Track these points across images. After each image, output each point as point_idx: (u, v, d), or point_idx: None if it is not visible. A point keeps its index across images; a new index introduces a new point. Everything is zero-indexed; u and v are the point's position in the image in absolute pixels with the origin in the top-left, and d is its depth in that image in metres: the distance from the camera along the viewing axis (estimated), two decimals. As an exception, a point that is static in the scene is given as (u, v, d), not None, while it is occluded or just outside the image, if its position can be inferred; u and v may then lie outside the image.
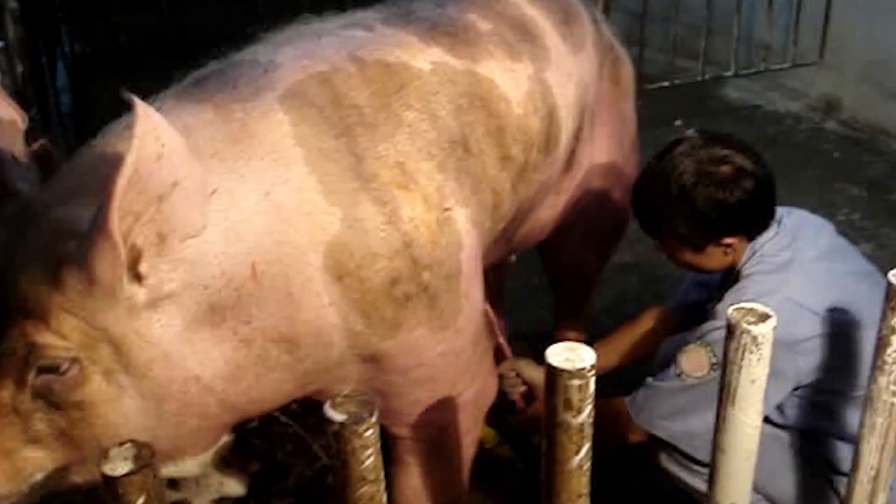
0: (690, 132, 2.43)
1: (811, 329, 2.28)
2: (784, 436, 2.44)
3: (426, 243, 1.94)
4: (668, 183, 2.33)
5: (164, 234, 1.59)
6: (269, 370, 1.83)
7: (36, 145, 1.91)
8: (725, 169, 2.31)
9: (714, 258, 2.42)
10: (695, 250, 2.41)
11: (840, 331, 2.29)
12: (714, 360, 2.29)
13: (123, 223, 1.51)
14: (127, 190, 1.48)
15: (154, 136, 1.48)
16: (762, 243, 2.40)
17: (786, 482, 2.42)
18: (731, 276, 2.45)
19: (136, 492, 1.41)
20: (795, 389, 2.35)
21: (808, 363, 2.29)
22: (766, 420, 2.39)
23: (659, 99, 5.66)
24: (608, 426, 2.52)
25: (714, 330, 2.26)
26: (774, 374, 2.23)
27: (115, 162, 1.61)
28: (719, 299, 2.43)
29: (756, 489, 2.38)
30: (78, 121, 5.52)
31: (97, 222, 1.52)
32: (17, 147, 1.85)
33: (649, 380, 2.40)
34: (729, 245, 2.38)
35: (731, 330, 1.80)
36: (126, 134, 1.75)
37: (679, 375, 2.31)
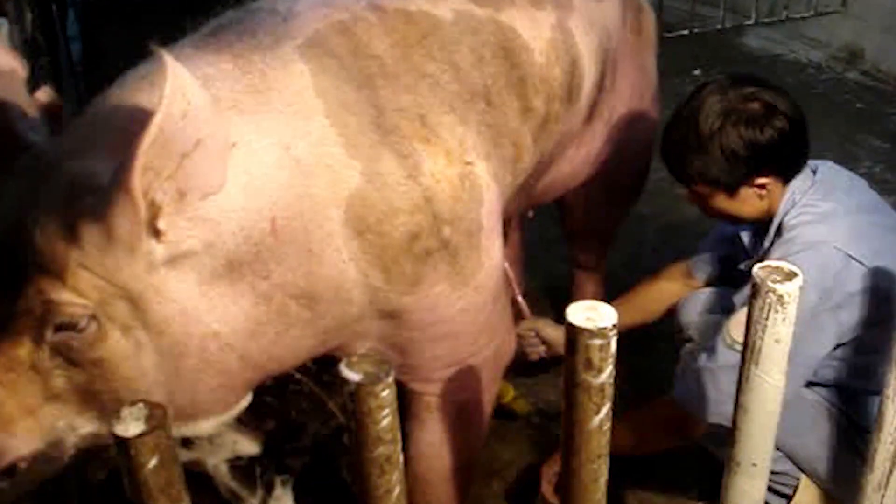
0: (719, 76, 2.40)
1: (859, 281, 2.24)
2: (811, 395, 2.41)
3: (447, 198, 1.91)
4: (697, 124, 2.30)
5: (183, 192, 1.56)
6: (288, 326, 1.81)
7: (40, 93, 1.86)
8: (755, 106, 2.28)
9: (748, 203, 2.37)
10: (728, 194, 2.36)
11: (881, 285, 2.25)
12: None
13: (144, 179, 1.49)
14: (151, 146, 1.45)
15: (182, 94, 1.45)
16: (801, 192, 2.36)
17: (811, 441, 2.40)
18: (765, 229, 2.41)
19: (148, 452, 1.39)
20: (834, 349, 2.32)
21: (850, 318, 2.26)
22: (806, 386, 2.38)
23: (678, 48, 5.59)
24: (659, 437, 2.51)
25: None
26: (817, 329, 2.22)
27: (135, 115, 1.59)
28: (754, 256, 2.40)
29: (779, 447, 2.36)
30: (88, 69, 5.48)
31: (118, 178, 1.49)
32: (21, 97, 1.80)
33: (699, 364, 2.31)
34: (763, 186, 2.34)
35: (756, 288, 1.77)
36: (144, 84, 1.73)
37: (731, 346, 2.23)
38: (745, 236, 2.53)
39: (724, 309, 2.58)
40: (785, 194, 2.36)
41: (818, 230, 2.27)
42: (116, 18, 5.99)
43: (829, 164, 2.45)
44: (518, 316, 2.62)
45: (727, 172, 2.31)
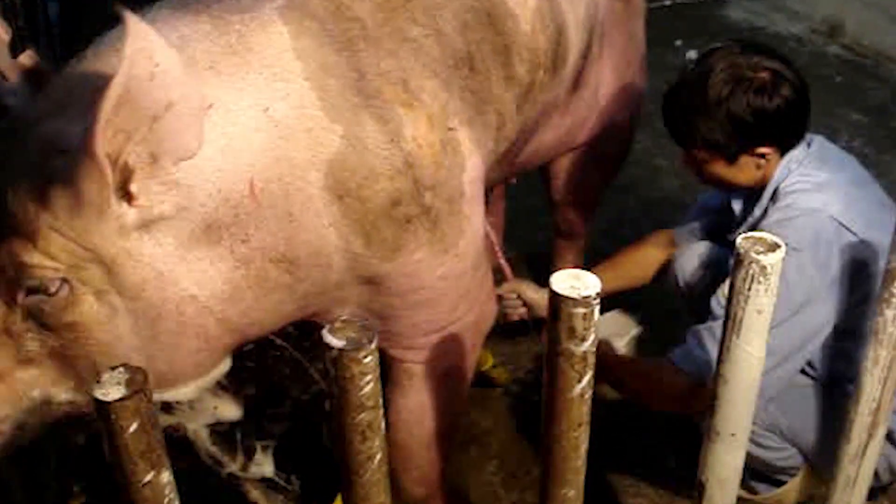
0: (726, 42, 2.39)
1: (850, 251, 2.25)
2: (817, 388, 2.42)
3: (429, 164, 1.89)
4: (705, 89, 2.30)
5: (156, 155, 1.54)
6: (268, 291, 1.79)
7: (23, 56, 1.84)
8: (764, 75, 2.28)
9: (745, 171, 2.38)
10: (728, 161, 2.36)
11: (870, 258, 2.27)
12: None
13: (114, 141, 1.47)
14: (116, 109, 1.43)
15: (147, 55, 1.42)
16: (797, 162, 2.36)
17: (817, 435, 2.40)
18: (757, 196, 2.41)
19: (129, 417, 1.38)
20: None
21: (843, 293, 2.27)
22: (801, 372, 2.38)
23: (660, 19, 5.56)
24: (661, 401, 2.52)
25: None
26: (811, 300, 2.23)
27: (107, 77, 1.56)
28: (743, 224, 2.41)
29: (786, 438, 2.38)
30: (65, 31, 5.40)
31: (82, 142, 1.48)
32: (3, 59, 1.78)
33: (697, 327, 2.33)
34: (763, 156, 2.34)
35: (739, 259, 1.77)
36: (118, 46, 1.69)
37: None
38: (736, 204, 2.53)
39: (718, 265, 2.61)
40: (780, 163, 2.36)
41: (815, 198, 2.28)
42: (94, -20, 5.92)
43: (819, 138, 2.45)
44: (500, 278, 2.61)
45: (731, 139, 2.31)
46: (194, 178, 1.63)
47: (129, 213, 1.58)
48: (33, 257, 1.57)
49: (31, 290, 1.60)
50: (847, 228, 2.24)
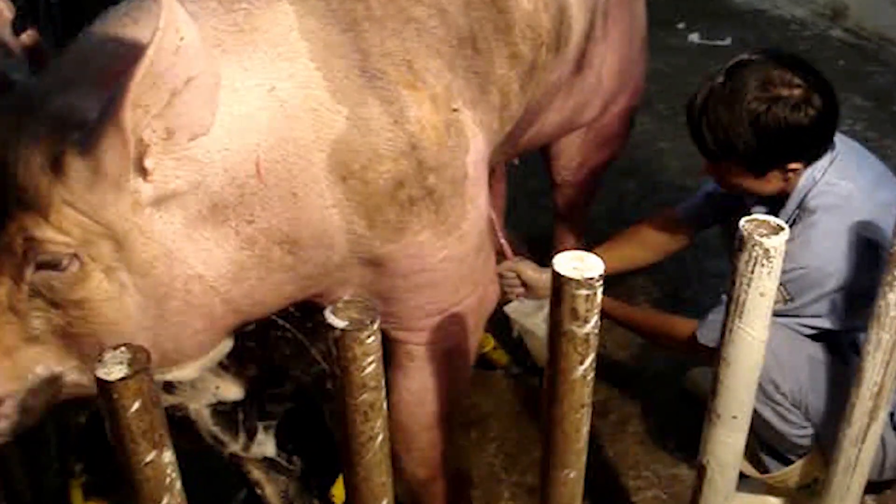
0: (755, 54, 2.34)
1: (877, 264, 2.25)
2: (849, 374, 2.42)
3: (433, 145, 1.88)
4: (737, 106, 2.26)
5: (172, 130, 1.54)
6: (271, 271, 1.79)
7: (25, 35, 1.83)
8: (797, 91, 2.24)
9: (773, 183, 2.36)
10: (757, 175, 2.35)
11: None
12: (787, 298, 2.32)
13: (134, 115, 1.46)
14: (143, 80, 1.43)
15: (175, 28, 1.42)
16: (821, 170, 2.34)
17: (835, 418, 2.40)
18: (779, 201, 2.41)
19: (131, 396, 1.38)
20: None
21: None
22: (818, 338, 2.41)
23: (661, 1, 5.54)
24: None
25: (785, 272, 2.20)
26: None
27: (118, 51, 1.56)
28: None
29: (809, 416, 2.39)
30: (65, 10, 5.39)
31: (108, 112, 1.47)
32: (6, 37, 1.78)
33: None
34: (794, 170, 2.33)
35: (742, 242, 1.77)
36: (126, 21, 1.70)
37: None
38: (756, 210, 2.51)
39: None
40: (805, 172, 2.35)
41: (840, 218, 2.30)
42: (94, -41, 5.90)
43: (842, 136, 2.43)
44: (500, 256, 2.62)
45: (763, 155, 2.29)
46: (203, 155, 1.62)
47: (145, 189, 1.58)
48: (45, 232, 1.56)
49: (41, 266, 1.59)
50: (873, 243, 2.26)
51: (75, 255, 1.59)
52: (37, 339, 1.67)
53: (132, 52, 1.43)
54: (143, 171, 1.55)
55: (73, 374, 1.73)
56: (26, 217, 1.56)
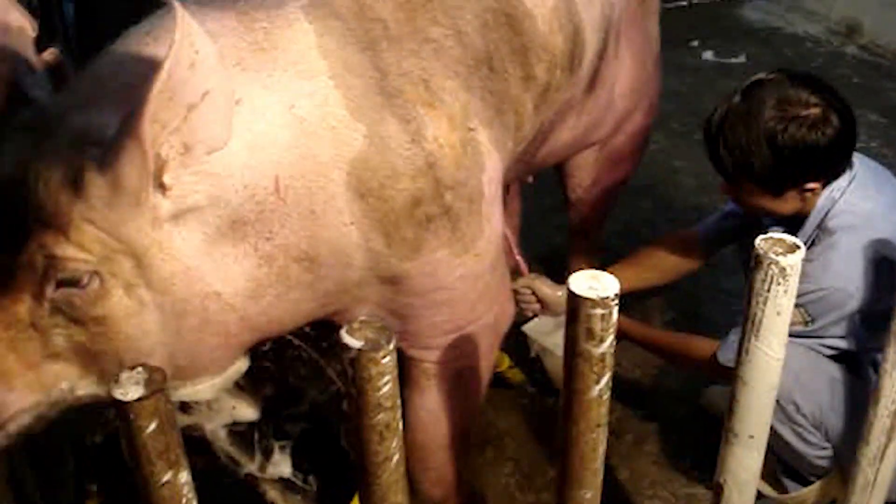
0: (771, 74, 2.33)
1: None
2: (853, 379, 2.41)
3: (450, 164, 1.89)
4: (754, 126, 2.25)
5: (189, 145, 1.55)
6: (289, 289, 1.80)
7: (46, 53, 1.85)
8: (815, 111, 2.24)
9: (791, 203, 2.35)
10: (774, 195, 2.34)
11: None
12: (808, 319, 2.32)
13: (151, 130, 1.47)
14: (160, 94, 1.44)
15: (190, 42, 1.43)
16: (839, 190, 2.33)
17: (849, 422, 2.39)
18: (798, 222, 2.39)
19: (147, 416, 1.38)
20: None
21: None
22: (840, 358, 2.40)
23: (676, 19, 5.57)
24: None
25: (806, 293, 2.21)
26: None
27: (139, 69, 1.57)
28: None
29: (829, 437, 2.38)
30: (81, 31, 5.42)
31: (127, 127, 1.48)
32: (28, 54, 1.79)
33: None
34: (811, 190, 2.32)
35: (758, 260, 1.76)
36: (147, 40, 1.72)
37: None
38: (774, 230, 2.51)
39: None
40: (823, 192, 2.34)
41: (860, 238, 2.29)
42: (110, -20, 5.94)
43: (859, 155, 2.42)
44: (515, 274, 2.62)
45: (781, 175, 2.29)
46: (223, 171, 1.63)
47: (163, 204, 1.58)
48: (66, 249, 1.57)
49: (62, 283, 1.59)
50: (893, 261, 2.26)
51: (95, 272, 1.59)
52: (58, 356, 1.67)
53: (152, 70, 1.44)
54: (161, 187, 1.56)
55: (90, 388, 1.73)
56: (46, 235, 1.57)
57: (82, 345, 1.66)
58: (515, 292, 2.57)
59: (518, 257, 2.72)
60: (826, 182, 2.32)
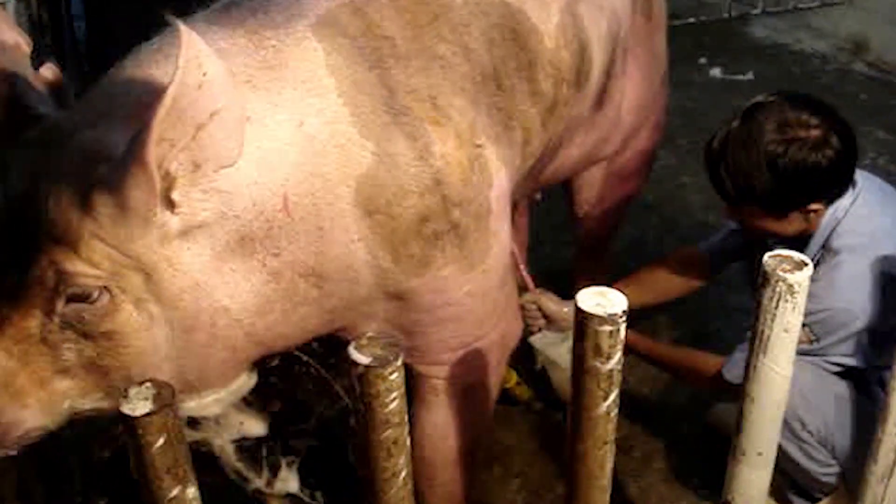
0: (771, 96, 2.33)
1: None
2: (859, 396, 2.41)
3: (457, 181, 1.90)
4: (755, 149, 2.26)
5: (198, 163, 1.55)
6: (296, 305, 1.80)
7: (44, 69, 1.86)
8: (815, 133, 2.24)
9: (794, 224, 2.36)
10: (778, 217, 2.34)
11: None
12: (813, 338, 2.32)
13: (159, 149, 1.47)
14: (166, 118, 1.44)
15: (197, 64, 1.44)
16: (843, 210, 2.34)
17: (855, 439, 2.39)
18: (802, 241, 2.39)
19: (155, 432, 1.39)
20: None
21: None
22: (846, 375, 2.39)
23: (684, 36, 5.57)
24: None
25: (811, 313, 2.19)
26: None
27: (149, 86, 1.57)
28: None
29: (835, 455, 2.37)
30: (92, 48, 5.45)
31: (133, 149, 1.48)
32: (26, 71, 1.80)
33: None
34: (815, 211, 2.32)
35: (765, 278, 1.77)
36: (158, 57, 1.73)
37: None
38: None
39: None
40: (827, 211, 2.34)
41: (864, 257, 2.29)
42: (120, -3, 5.96)
43: (864, 173, 2.43)
44: (522, 288, 2.62)
45: (784, 197, 2.29)
46: (232, 188, 1.64)
47: (172, 221, 1.59)
48: (76, 265, 1.58)
49: (72, 298, 1.60)
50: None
51: (105, 288, 1.60)
52: (67, 372, 1.68)
53: (161, 88, 1.45)
54: (170, 204, 1.57)
55: (97, 403, 1.74)
56: (57, 251, 1.58)
57: (91, 360, 1.67)
58: (521, 308, 2.57)
59: (524, 273, 2.72)
60: (829, 202, 2.32)
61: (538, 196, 3.07)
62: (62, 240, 1.57)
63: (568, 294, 2.72)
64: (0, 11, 1.80)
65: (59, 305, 1.61)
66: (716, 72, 5.65)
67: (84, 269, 1.58)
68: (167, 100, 1.43)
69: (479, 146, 1.95)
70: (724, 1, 6.21)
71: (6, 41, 1.79)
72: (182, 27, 1.41)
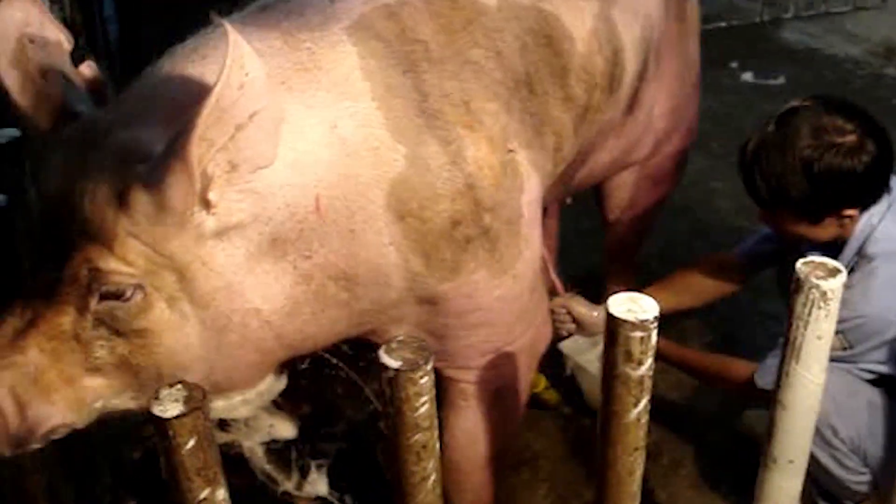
0: (806, 101, 2.32)
1: None
2: (892, 404, 2.39)
3: (489, 185, 1.90)
4: (790, 154, 2.24)
5: (235, 164, 1.56)
6: (326, 307, 1.81)
7: (84, 67, 1.87)
8: (851, 138, 2.23)
9: (828, 230, 2.34)
10: (812, 222, 2.33)
11: None
12: (847, 345, 2.30)
13: (199, 148, 1.48)
14: (208, 118, 1.45)
15: (240, 65, 1.45)
16: (878, 215, 2.32)
17: (887, 447, 2.37)
18: (837, 247, 2.38)
19: (186, 434, 1.39)
20: None
21: None
22: (879, 382, 2.38)
23: (716, 40, 5.53)
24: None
25: (845, 320, 2.17)
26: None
27: (186, 86, 1.59)
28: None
29: (867, 463, 2.35)
30: (124, 50, 5.49)
31: (175, 147, 1.49)
32: (67, 69, 1.81)
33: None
34: (849, 217, 2.30)
35: (799, 284, 1.75)
36: (195, 57, 1.73)
37: None
38: (813, 255, 2.49)
39: None
40: (861, 217, 2.32)
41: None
42: (153, 0, 6.00)
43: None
44: (551, 292, 2.61)
45: (819, 203, 2.28)
46: (265, 189, 1.65)
47: (208, 221, 1.60)
48: (110, 263, 1.59)
49: (106, 296, 1.61)
50: None
51: (139, 286, 1.61)
52: (98, 370, 1.68)
53: (199, 88, 1.46)
54: (206, 204, 1.57)
55: (127, 402, 1.74)
56: (91, 248, 1.59)
57: (123, 357, 1.67)
58: (551, 311, 2.57)
59: (554, 276, 2.71)
60: (864, 207, 2.30)
61: (568, 200, 3.06)
62: (97, 238, 1.58)
63: (597, 298, 2.72)
64: (44, 8, 1.81)
65: (93, 303, 1.62)
66: (747, 76, 5.62)
67: (118, 267, 1.59)
68: (213, 98, 1.44)
69: (511, 151, 1.95)
70: (756, 5, 6.17)
71: (48, 38, 1.80)
72: (228, 27, 1.42)
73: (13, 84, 1.73)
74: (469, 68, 1.92)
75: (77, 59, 1.88)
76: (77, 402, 1.69)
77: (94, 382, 1.69)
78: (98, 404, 1.72)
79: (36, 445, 1.71)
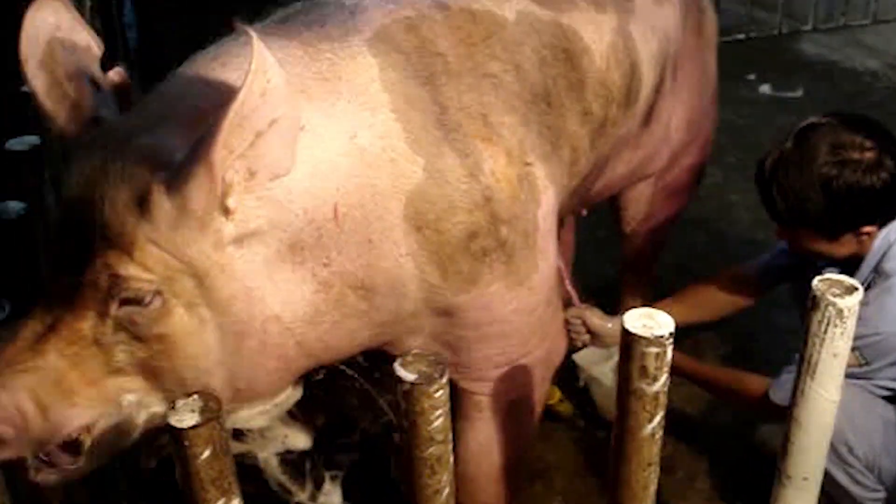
0: (824, 117, 2.32)
1: None
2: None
3: (506, 198, 1.91)
4: (808, 171, 2.25)
5: (254, 171, 1.57)
6: (345, 316, 1.82)
7: (113, 72, 1.88)
8: (869, 155, 2.23)
9: (846, 246, 2.35)
10: (829, 239, 2.33)
11: None
12: (863, 362, 2.29)
13: (219, 155, 1.49)
14: (232, 124, 1.46)
15: (264, 72, 1.46)
16: (895, 231, 2.32)
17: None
18: (854, 263, 2.37)
19: (202, 444, 1.40)
20: None
21: None
22: (893, 400, 2.39)
23: (734, 52, 5.52)
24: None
25: (862, 337, 2.18)
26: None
27: (206, 93, 1.60)
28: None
29: (882, 480, 2.35)
30: (144, 56, 5.52)
31: (198, 152, 1.50)
32: (95, 73, 1.82)
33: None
34: (867, 233, 2.30)
35: (815, 301, 1.75)
36: (214, 65, 1.74)
37: None
38: (829, 271, 2.49)
39: None
40: (880, 234, 2.32)
41: None
42: (172, 7, 6.03)
43: None
44: (567, 303, 2.61)
45: (837, 220, 2.28)
46: (284, 196, 1.66)
47: (227, 228, 1.60)
48: (129, 269, 1.59)
49: (125, 301, 1.62)
50: None
51: (158, 292, 1.61)
52: (120, 373, 1.68)
53: (220, 95, 1.46)
54: (225, 210, 1.58)
55: (155, 406, 1.74)
56: (111, 254, 1.59)
57: (144, 362, 1.68)
58: (566, 322, 2.57)
59: (569, 287, 2.71)
60: (882, 224, 2.30)
61: (584, 211, 3.06)
62: (117, 243, 1.59)
63: (613, 309, 2.72)
64: (76, 13, 1.82)
65: (113, 308, 1.62)
66: (765, 88, 5.61)
67: (138, 273, 1.59)
68: (237, 104, 1.45)
69: (528, 164, 1.96)
70: (774, 17, 6.16)
71: (78, 42, 1.82)
72: (253, 34, 1.43)
73: (41, 87, 1.74)
74: (487, 81, 1.93)
75: (106, 64, 1.89)
76: (102, 400, 1.69)
77: (118, 381, 1.69)
78: (130, 397, 1.71)
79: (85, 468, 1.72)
